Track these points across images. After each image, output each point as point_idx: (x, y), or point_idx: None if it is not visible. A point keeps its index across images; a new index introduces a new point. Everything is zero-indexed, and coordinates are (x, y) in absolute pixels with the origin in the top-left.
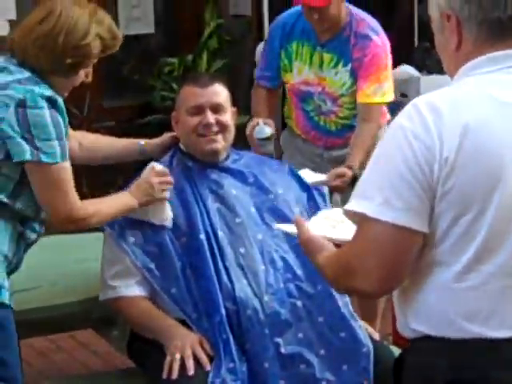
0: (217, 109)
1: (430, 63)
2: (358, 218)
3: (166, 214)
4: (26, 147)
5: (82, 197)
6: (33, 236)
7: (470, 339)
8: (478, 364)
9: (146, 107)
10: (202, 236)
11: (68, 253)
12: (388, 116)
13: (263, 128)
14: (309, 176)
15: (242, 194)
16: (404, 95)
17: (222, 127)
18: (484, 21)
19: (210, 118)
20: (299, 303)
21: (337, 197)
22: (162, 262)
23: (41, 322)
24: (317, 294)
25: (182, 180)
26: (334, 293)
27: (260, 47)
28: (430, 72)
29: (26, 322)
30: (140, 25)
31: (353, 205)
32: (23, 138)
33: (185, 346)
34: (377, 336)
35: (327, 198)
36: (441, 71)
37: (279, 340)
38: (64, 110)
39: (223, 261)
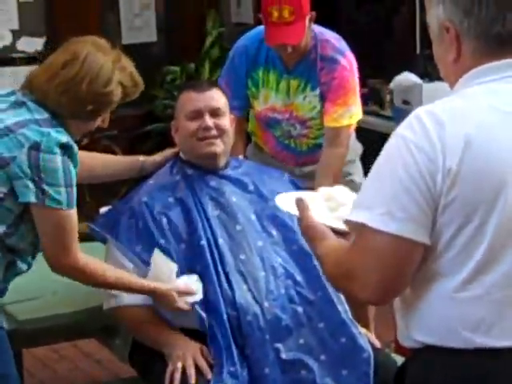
0: (215, 113)
1: (432, 70)
2: (358, 228)
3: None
4: (33, 189)
5: (85, 206)
6: (24, 267)
7: (473, 349)
8: (480, 374)
9: (149, 116)
10: (203, 242)
11: None
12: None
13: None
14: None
15: (242, 202)
16: (406, 102)
17: (221, 131)
18: (483, 34)
19: (209, 121)
20: (300, 309)
21: None
22: None
23: (43, 331)
24: (317, 300)
25: (183, 188)
26: (335, 299)
27: None
28: (432, 79)
29: (28, 331)
30: (142, 34)
31: (354, 215)
32: (31, 180)
33: (186, 354)
34: (378, 343)
35: None
36: (442, 78)
37: (279, 346)
38: (77, 156)
39: (223, 267)
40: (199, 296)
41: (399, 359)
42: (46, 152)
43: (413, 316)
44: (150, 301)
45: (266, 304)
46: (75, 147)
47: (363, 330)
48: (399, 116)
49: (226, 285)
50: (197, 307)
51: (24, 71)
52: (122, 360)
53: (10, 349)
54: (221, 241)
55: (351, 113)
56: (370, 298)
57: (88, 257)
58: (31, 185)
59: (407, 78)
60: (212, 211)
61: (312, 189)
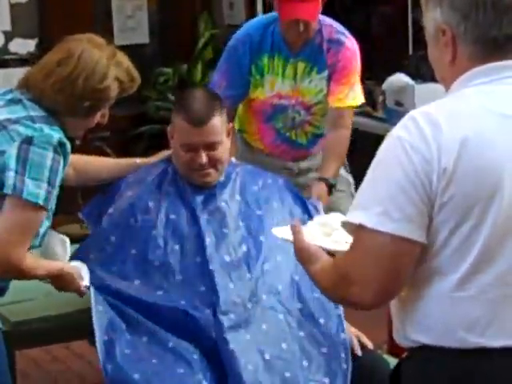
0: (210, 147)
1: (425, 71)
2: (356, 230)
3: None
4: (13, 180)
5: (78, 209)
6: None
7: (469, 349)
8: (475, 374)
9: (141, 117)
10: (190, 241)
11: None
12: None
13: None
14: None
15: (231, 208)
16: (399, 103)
17: (216, 162)
18: (480, 38)
19: (204, 158)
20: (281, 316)
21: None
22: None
23: (36, 332)
24: (296, 311)
25: (172, 192)
26: (315, 314)
27: None
28: (424, 80)
29: (21, 332)
30: (134, 35)
31: (351, 216)
32: (15, 171)
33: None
34: (371, 345)
35: (321, 211)
36: (435, 79)
37: (263, 347)
38: (69, 154)
39: (208, 266)
40: (87, 282)
41: (392, 360)
42: (38, 147)
43: (409, 316)
44: None
45: (248, 306)
46: (68, 146)
47: (358, 333)
48: (392, 117)
49: (209, 284)
50: (90, 290)
51: (17, 73)
52: None
53: (4, 349)
54: (208, 240)
55: (355, 93)
56: (371, 300)
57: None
58: (13, 175)
59: (399, 79)
60: (201, 213)
61: (308, 198)
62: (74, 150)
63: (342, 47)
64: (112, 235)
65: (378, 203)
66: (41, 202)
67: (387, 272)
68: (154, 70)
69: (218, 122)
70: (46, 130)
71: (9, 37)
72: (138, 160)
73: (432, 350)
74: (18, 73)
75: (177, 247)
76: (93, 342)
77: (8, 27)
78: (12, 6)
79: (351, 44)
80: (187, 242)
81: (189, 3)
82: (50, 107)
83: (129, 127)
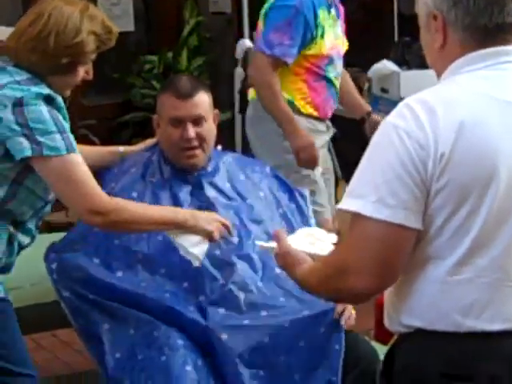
0: (197, 121)
1: (410, 58)
2: (352, 217)
3: (199, 253)
4: (27, 144)
5: None
6: (26, 240)
7: (464, 333)
8: (471, 357)
9: (127, 105)
10: None
11: None
12: None
13: None
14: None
15: (220, 196)
16: (384, 90)
17: (202, 140)
18: (469, 26)
19: (191, 132)
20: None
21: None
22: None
23: (22, 321)
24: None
25: (157, 182)
26: (298, 306)
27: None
28: (409, 67)
29: None
30: (119, 22)
31: (347, 203)
32: (23, 135)
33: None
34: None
35: (308, 199)
36: (420, 66)
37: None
38: (63, 107)
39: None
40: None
41: (379, 348)
42: (30, 105)
43: (404, 301)
44: None
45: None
46: (59, 99)
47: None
48: (377, 104)
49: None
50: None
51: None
52: None
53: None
54: None
55: None
56: (368, 287)
57: (113, 197)
58: (24, 139)
59: (385, 65)
60: (190, 203)
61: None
62: None
63: None
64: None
65: (373, 191)
66: (63, 152)
67: (384, 258)
68: (139, 57)
69: (205, 98)
70: (33, 88)
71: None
72: (122, 148)
73: (427, 334)
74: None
75: (160, 238)
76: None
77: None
78: None
79: None
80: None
81: None
82: (30, 69)
83: (114, 115)
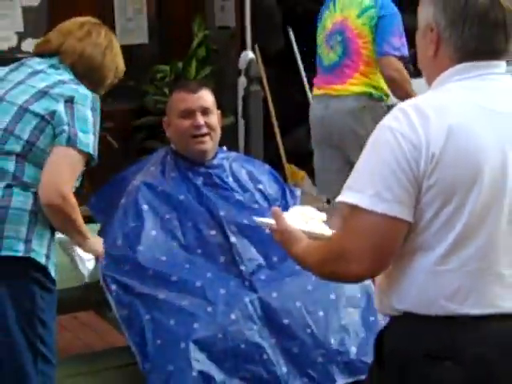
0: (205, 111)
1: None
2: (348, 210)
3: (90, 268)
4: (67, 133)
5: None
6: None
7: (449, 316)
8: (455, 339)
9: (141, 110)
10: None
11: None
12: None
13: None
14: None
15: (227, 185)
16: None
17: (210, 128)
18: (461, 48)
19: (200, 120)
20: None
21: None
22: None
23: None
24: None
25: (174, 173)
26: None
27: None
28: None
29: None
30: (135, 36)
31: (346, 197)
32: (67, 125)
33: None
34: None
35: (298, 199)
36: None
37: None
38: (99, 108)
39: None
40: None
41: None
42: (79, 104)
43: (395, 286)
44: None
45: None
46: (98, 101)
47: None
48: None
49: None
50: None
51: None
52: (116, 329)
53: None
54: (222, 213)
55: None
56: (363, 272)
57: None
58: (66, 128)
59: None
60: (203, 189)
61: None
62: None
63: None
64: (131, 222)
65: (371, 186)
66: (91, 151)
67: (379, 247)
68: (153, 67)
69: (209, 94)
70: (81, 89)
71: (21, 37)
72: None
73: (415, 317)
74: None
75: (190, 224)
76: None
77: (21, 29)
78: (24, 10)
79: None
80: (200, 219)
81: (183, 7)
82: (76, 74)
83: (129, 119)
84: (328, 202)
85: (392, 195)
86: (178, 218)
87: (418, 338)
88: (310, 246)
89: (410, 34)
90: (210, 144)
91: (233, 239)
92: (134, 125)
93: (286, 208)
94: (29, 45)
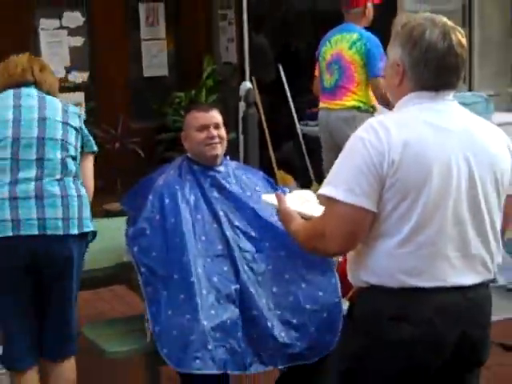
0: (216, 126)
1: None
2: (327, 200)
3: None
4: (91, 143)
5: (117, 191)
6: None
7: (406, 288)
8: (411, 305)
9: (162, 128)
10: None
11: (106, 231)
12: None
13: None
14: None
15: (232, 185)
16: None
17: (220, 138)
18: (421, 83)
19: (214, 132)
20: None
21: None
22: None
23: (88, 280)
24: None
25: (189, 177)
26: (283, 253)
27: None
28: None
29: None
30: (158, 69)
31: (325, 190)
32: (91, 133)
33: None
34: None
35: None
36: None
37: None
38: None
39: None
40: None
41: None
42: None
43: (362, 263)
44: None
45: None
46: None
47: None
48: None
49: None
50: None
51: (72, 96)
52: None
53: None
54: (220, 213)
55: None
56: (335, 250)
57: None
58: (91, 139)
59: None
60: (209, 190)
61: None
62: (115, 150)
63: None
64: (157, 214)
65: (344, 182)
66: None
67: (349, 231)
68: (172, 93)
69: (219, 114)
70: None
71: (68, 70)
72: None
73: (380, 289)
74: (73, 96)
75: (199, 217)
76: (131, 287)
77: (68, 63)
78: (70, 49)
79: None
80: (205, 214)
81: (196, 46)
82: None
83: (153, 134)
84: None
85: (361, 190)
86: (189, 211)
87: (382, 305)
88: (302, 225)
89: None
90: (220, 150)
91: (227, 233)
92: (156, 139)
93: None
94: (73, 76)
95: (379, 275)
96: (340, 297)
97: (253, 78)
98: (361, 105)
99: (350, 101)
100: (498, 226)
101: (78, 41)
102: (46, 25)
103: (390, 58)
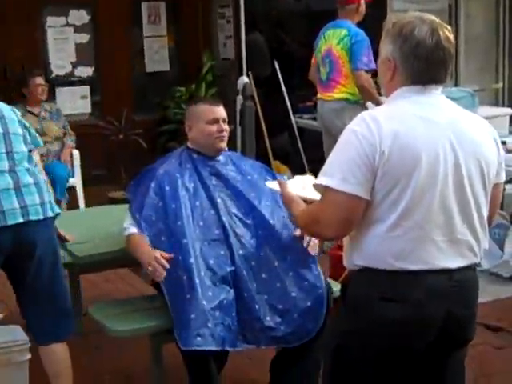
0: (224, 120)
1: None
2: (323, 189)
3: None
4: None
5: (122, 181)
6: None
7: (396, 270)
8: (400, 287)
9: (164, 120)
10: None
11: (111, 218)
12: None
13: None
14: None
15: (228, 175)
16: None
17: (227, 132)
18: (411, 78)
19: (224, 126)
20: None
21: None
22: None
23: (94, 263)
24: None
25: (189, 166)
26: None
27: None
28: None
29: (84, 264)
30: (159, 64)
31: (321, 180)
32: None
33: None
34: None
35: None
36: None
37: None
38: None
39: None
40: None
41: (332, 282)
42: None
43: (356, 247)
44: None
45: (252, 241)
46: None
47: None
48: None
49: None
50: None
51: (78, 90)
52: (147, 283)
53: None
54: (218, 200)
55: None
56: (331, 234)
57: None
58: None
59: None
60: (209, 180)
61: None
62: (119, 142)
63: None
64: (160, 201)
65: (339, 172)
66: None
67: (343, 218)
68: (173, 88)
69: (224, 110)
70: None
71: (74, 65)
72: None
73: (371, 271)
74: (79, 90)
75: (198, 203)
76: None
77: (74, 59)
78: (76, 45)
79: None
80: (204, 200)
81: (196, 43)
82: None
83: (155, 126)
84: None
85: (355, 179)
86: (189, 198)
87: (373, 286)
88: (302, 210)
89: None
90: (225, 143)
91: (224, 218)
92: (158, 131)
93: (274, 196)
94: (79, 71)
95: (371, 258)
96: (324, 288)
97: (249, 73)
98: (349, 97)
99: (338, 93)
100: (485, 213)
101: (84, 38)
102: (53, 22)
103: (382, 55)
